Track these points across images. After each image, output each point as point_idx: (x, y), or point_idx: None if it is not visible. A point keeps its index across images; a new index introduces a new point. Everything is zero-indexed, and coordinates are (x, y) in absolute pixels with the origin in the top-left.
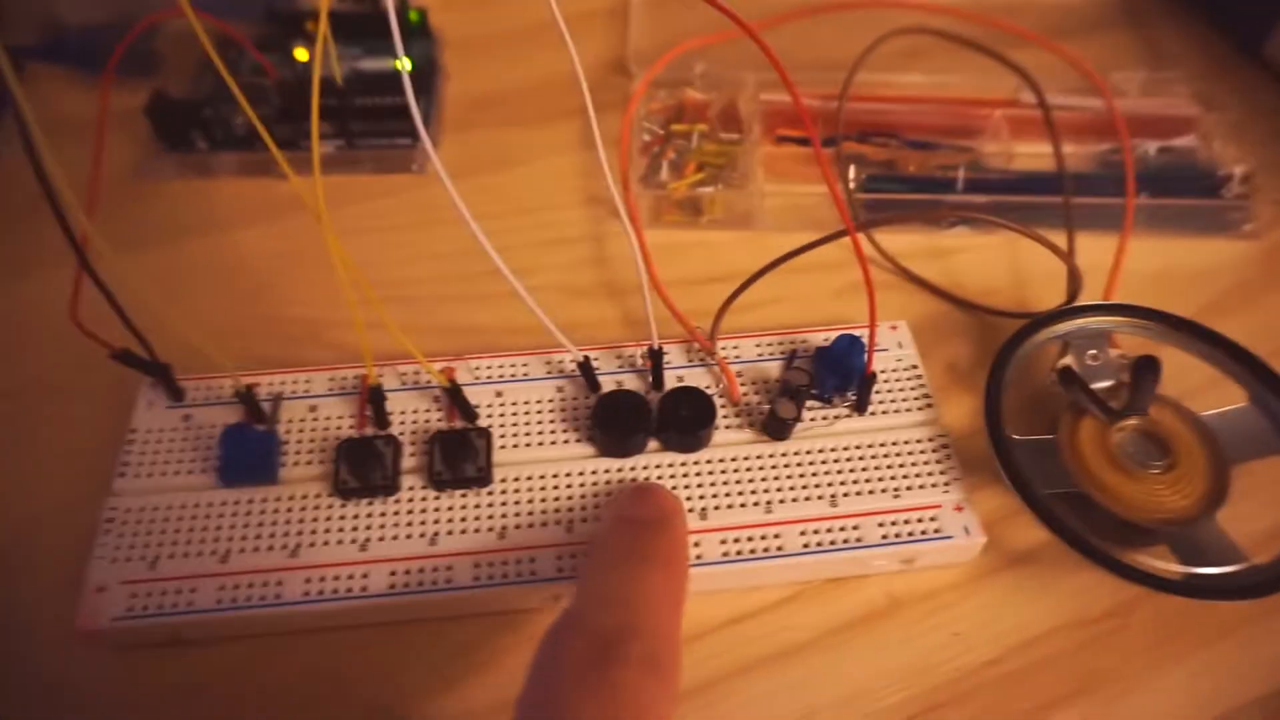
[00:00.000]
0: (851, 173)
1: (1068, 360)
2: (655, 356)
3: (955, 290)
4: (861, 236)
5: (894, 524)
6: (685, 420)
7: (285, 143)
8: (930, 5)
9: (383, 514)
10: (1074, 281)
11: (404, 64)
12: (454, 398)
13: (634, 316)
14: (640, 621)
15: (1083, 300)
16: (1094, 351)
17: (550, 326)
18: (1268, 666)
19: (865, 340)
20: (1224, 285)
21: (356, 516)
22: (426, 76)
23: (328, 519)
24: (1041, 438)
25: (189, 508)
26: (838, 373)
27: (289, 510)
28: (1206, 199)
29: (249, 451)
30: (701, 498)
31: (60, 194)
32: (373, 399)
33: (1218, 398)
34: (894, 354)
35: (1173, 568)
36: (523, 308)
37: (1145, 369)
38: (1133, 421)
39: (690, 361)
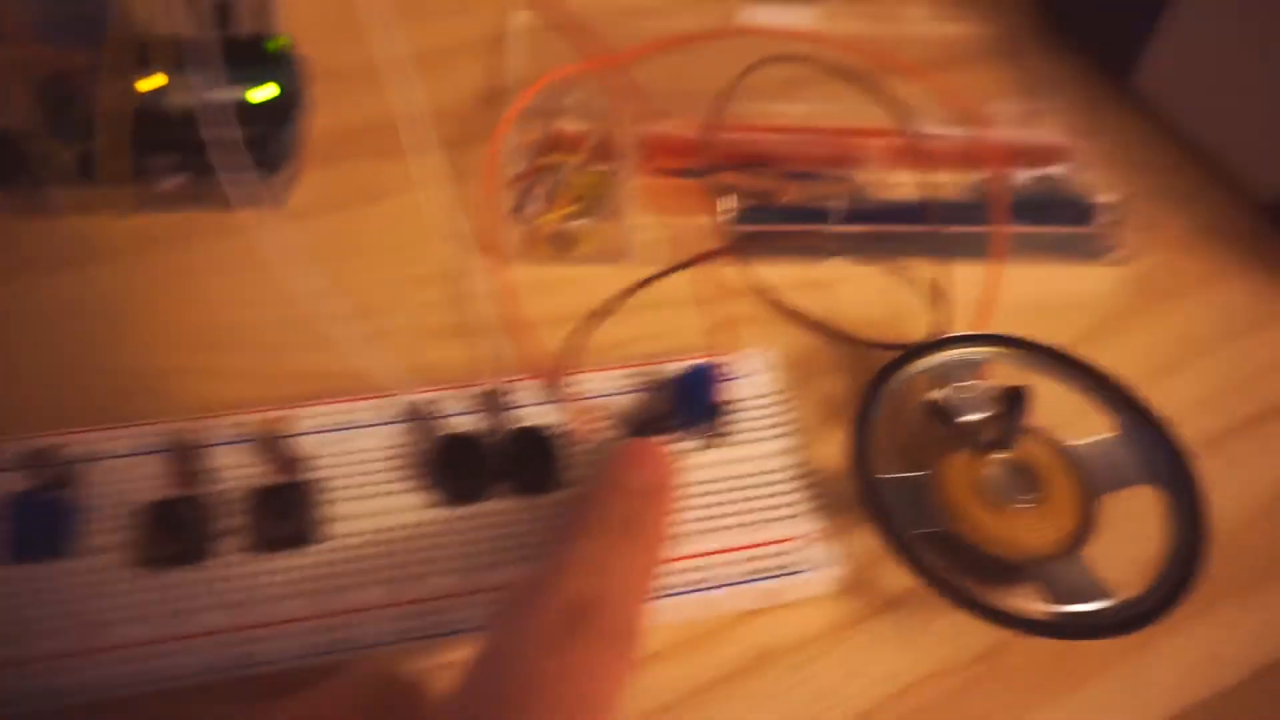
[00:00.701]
0: (724, 204)
1: (935, 394)
2: (492, 396)
3: (832, 322)
4: (735, 269)
5: (748, 560)
6: (527, 462)
7: (125, 178)
8: (809, 35)
9: (195, 582)
10: (941, 313)
11: (252, 90)
12: (274, 450)
13: (491, 358)
14: (615, 595)
15: (956, 330)
16: (965, 384)
17: (376, 369)
18: (1145, 700)
19: (720, 369)
20: (1096, 313)
21: (164, 587)
22: (287, 107)
23: (128, 592)
24: (913, 475)
25: None
26: (693, 404)
27: (86, 585)
28: (1078, 226)
29: (45, 522)
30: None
31: None
32: (182, 456)
33: (1088, 427)
34: (756, 380)
35: (1041, 607)
36: (373, 352)
37: (1014, 401)
38: (1002, 454)
39: (542, 400)
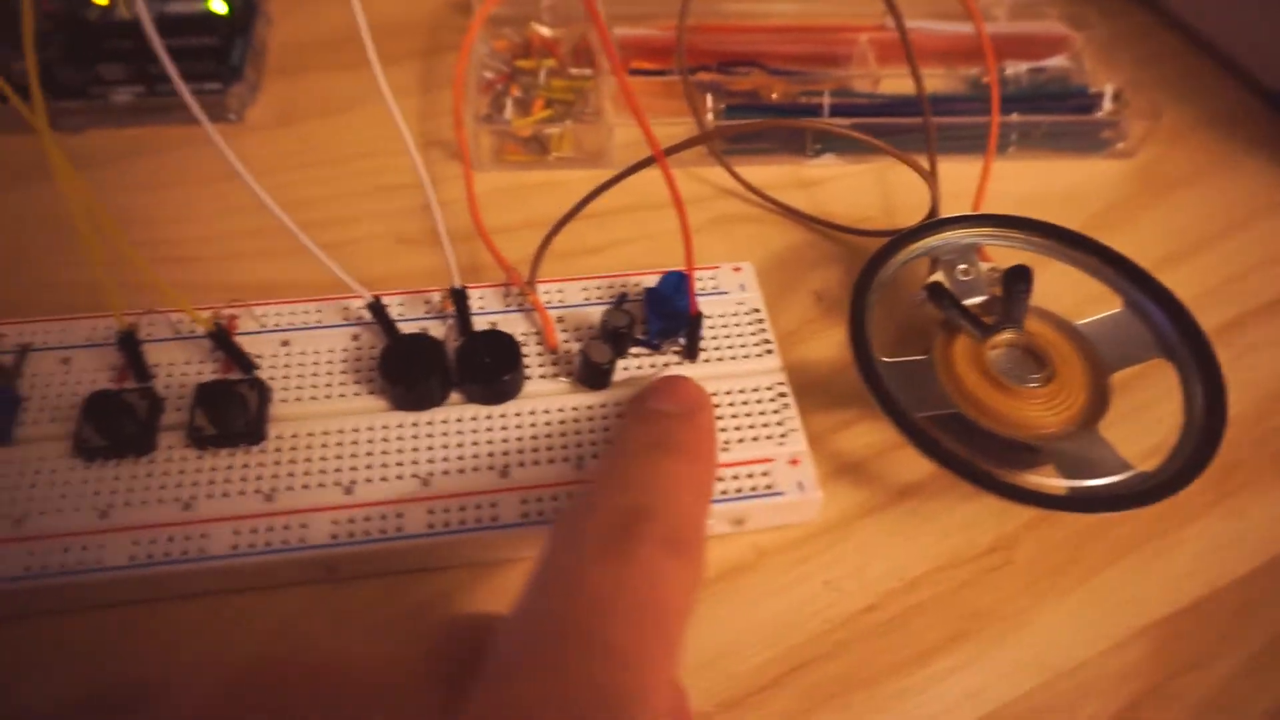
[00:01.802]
0: (709, 102)
1: (937, 276)
2: (458, 296)
3: (823, 217)
4: (721, 170)
5: (720, 479)
6: (487, 367)
7: (73, 91)
8: None
9: (133, 476)
10: (933, 192)
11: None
12: (224, 345)
13: (461, 263)
14: (661, 505)
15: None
16: (964, 266)
17: (333, 266)
18: (1156, 591)
19: (694, 279)
20: (1098, 204)
21: (101, 480)
22: (244, 19)
23: (65, 483)
24: (914, 358)
25: None
26: (666, 315)
27: (19, 475)
28: (1078, 117)
29: None
30: (505, 454)
31: None
32: (125, 345)
33: (1093, 307)
34: (735, 296)
35: (1059, 483)
36: (337, 260)
37: (1017, 279)
38: (1007, 335)
39: (509, 307)
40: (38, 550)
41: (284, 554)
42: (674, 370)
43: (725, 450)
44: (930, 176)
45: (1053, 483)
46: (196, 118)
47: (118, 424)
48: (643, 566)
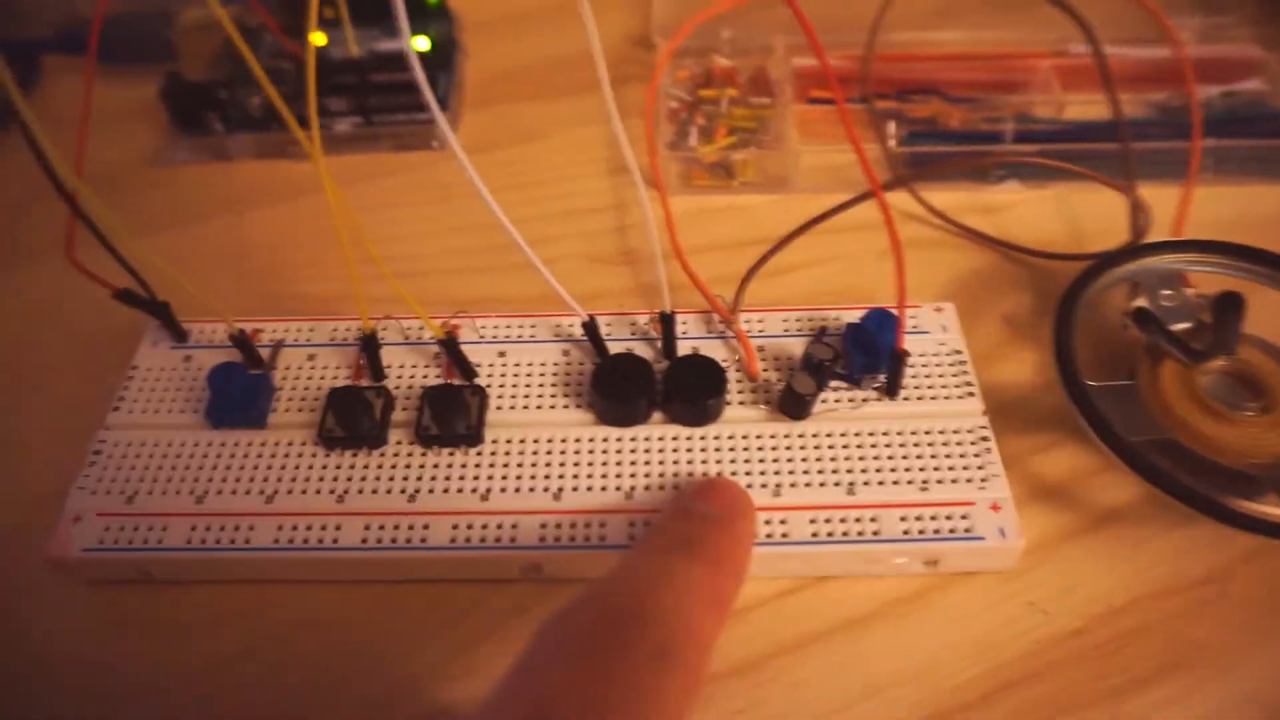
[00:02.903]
0: (891, 129)
1: (1141, 301)
2: (666, 321)
3: (1011, 241)
4: (905, 195)
5: (918, 519)
6: (692, 389)
7: (302, 122)
8: None
9: (365, 466)
10: (1140, 218)
11: (412, 39)
12: (451, 353)
13: (655, 287)
14: (657, 611)
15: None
16: (1168, 292)
17: (556, 286)
18: None
19: (898, 317)
20: None
21: (339, 467)
22: (445, 55)
23: (309, 468)
24: (1119, 383)
25: (174, 446)
26: (868, 351)
27: (272, 456)
28: (1277, 141)
29: (237, 394)
30: (705, 474)
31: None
32: (367, 347)
33: None
34: (936, 337)
35: None
36: (537, 280)
37: (1229, 305)
38: (1219, 362)
39: (709, 333)
40: (285, 525)
41: (495, 550)
42: (872, 407)
43: (924, 490)
44: (1136, 202)
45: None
46: (410, 146)
47: (357, 418)
48: (620, 679)
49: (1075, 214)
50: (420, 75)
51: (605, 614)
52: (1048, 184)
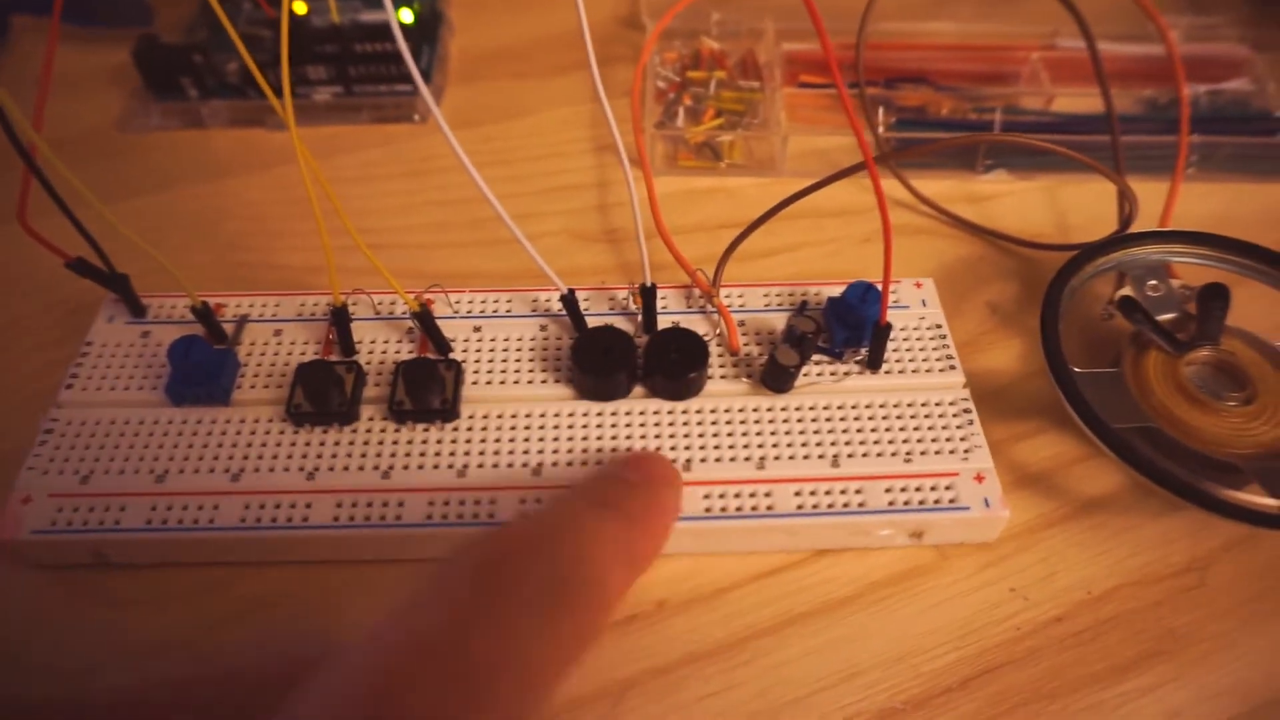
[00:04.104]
0: (880, 115)
1: (1127, 290)
2: (647, 294)
3: (997, 230)
4: (894, 182)
5: (903, 490)
6: (674, 363)
7: (280, 91)
8: None
9: (336, 443)
10: (1128, 207)
11: (396, 11)
12: (426, 326)
13: (637, 264)
14: (561, 554)
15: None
16: (1154, 282)
17: (535, 256)
18: None
19: (881, 290)
20: None
21: (308, 444)
22: (430, 28)
23: (277, 444)
24: (1104, 371)
25: (132, 424)
26: (850, 324)
27: (237, 433)
28: (1263, 139)
29: (199, 368)
30: (687, 448)
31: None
32: (337, 321)
33: None
34: (916, 311)
35: (1267, 502)
36: (518, 254)
37: (1214, 296)
38: (1203, 353)
39: (689, 308)
40: (252, 504)
41: (474, 526)
42: (855, 380)
43: (908, 461)
44: (1126, 191)
45: (1263, 501)
46: (392, 118)
47: (326, 393)
48: (501, 612)
49: (1063, 205)
50: (403, 44)
51: (499, 549)
52: (1036, 174)
